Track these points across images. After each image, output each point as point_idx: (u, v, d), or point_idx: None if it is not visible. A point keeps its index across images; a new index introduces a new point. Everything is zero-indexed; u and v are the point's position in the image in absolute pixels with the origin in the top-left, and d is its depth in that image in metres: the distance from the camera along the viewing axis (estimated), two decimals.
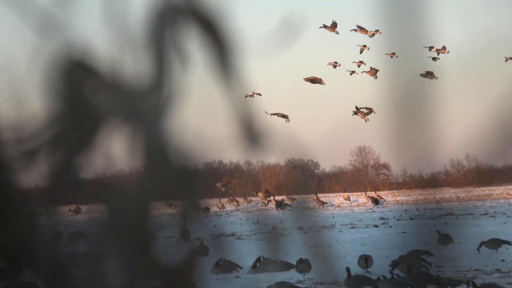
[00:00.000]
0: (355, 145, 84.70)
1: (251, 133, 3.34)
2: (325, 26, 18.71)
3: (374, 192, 51.15)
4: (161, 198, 3.30)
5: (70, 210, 33.33)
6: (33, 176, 3.28)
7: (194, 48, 3.29)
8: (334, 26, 18.09)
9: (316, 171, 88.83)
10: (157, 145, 3.20)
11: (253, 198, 52.29)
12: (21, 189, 3.31)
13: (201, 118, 3.45)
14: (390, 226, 29.36)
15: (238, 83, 3.33)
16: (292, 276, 15.78)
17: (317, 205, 44.06)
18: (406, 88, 4.01)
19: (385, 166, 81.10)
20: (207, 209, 38.55)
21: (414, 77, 4.05)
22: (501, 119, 4.67)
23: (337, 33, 18.93)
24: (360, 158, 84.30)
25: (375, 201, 44.74)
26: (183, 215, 3.29)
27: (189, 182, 3.25)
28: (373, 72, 22.52)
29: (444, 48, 17.36)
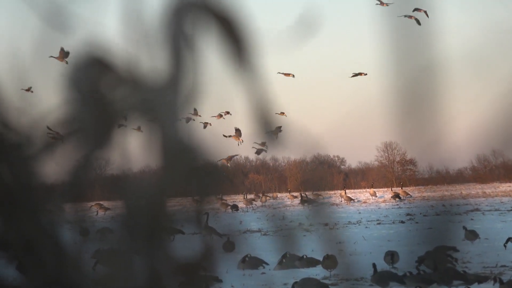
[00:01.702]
0: (381, 140, 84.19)
1: (268, 129, 3.36)
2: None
3: (400, 188, 50.84)
4: (179, 195, 3.32)
5: (100, 207, 33.32)
6: (55, 172, 3.31)
7: (210, 44, 3.31)
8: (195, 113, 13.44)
9: (342, 167, 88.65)
10: (174, 141, 3.22)
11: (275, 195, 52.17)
12: (44, 184, 3.34)
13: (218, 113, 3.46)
14: (417, 222, 29.19)
15: (255, 78, 3.34)
16: (318, 272, 15.79)
17: (344, 201, 43.98)
18: (411, 80, 4.01)
19: (412, 162, 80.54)
20: (235, 207, 38.40)
21: (419, 69, 4.04)
22: (503, 114, 4.66)
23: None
24: (386, 154, 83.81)
25: (397, 197, 44.47)
26: (203, 211, 3.31)
27: (207, 178, 3.28)
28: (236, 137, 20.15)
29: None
